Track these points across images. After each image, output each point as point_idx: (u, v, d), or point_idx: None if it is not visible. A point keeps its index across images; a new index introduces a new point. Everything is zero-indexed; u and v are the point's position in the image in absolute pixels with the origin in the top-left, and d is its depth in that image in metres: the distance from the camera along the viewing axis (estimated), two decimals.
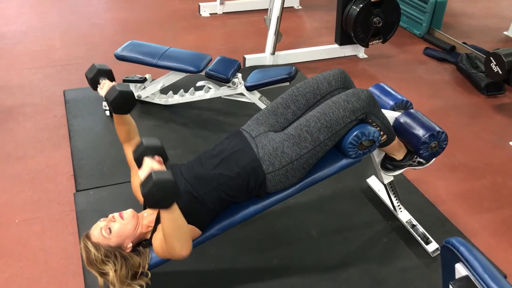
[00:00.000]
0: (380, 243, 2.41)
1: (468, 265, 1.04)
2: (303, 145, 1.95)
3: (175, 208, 1.65)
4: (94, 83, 2.03)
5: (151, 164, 1.64)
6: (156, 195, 1.54)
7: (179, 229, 1.68)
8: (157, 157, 1.68)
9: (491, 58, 3.59)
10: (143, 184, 1.55)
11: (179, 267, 2.17)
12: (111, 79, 2.06)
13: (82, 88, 3.62)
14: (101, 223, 1.84)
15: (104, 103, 3.29)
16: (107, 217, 1.86)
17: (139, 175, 1.65)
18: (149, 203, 1.57)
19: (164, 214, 1.64)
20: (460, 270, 1.09)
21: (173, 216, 1.64)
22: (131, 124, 2.08)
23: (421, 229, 2.41)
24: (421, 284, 2.18)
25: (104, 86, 1.99)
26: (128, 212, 1.87)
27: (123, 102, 1.91)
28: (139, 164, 1.67)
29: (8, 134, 3.12)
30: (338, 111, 1.96)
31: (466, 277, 1.06)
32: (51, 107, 3.42)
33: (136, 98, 3.34)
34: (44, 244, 2.33)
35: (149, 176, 1.54)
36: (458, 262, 1.09)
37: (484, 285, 0.99)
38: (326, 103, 2.02)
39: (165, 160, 1.71)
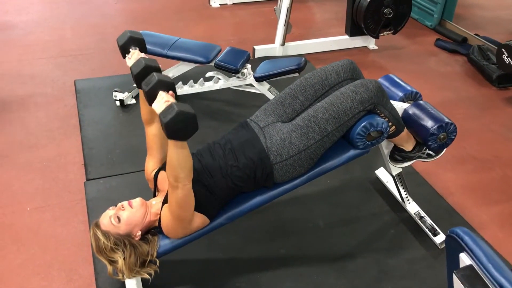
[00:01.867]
0: (388, 234, 2.42)
1: (472, 254, 1.04)
2: (310, 135, 1.95)
3: (186, 144, 1.68)
4: (124, 51, 1.93)
5: (167, 97, 1.64)
6: (178, 125, 1.55)
7: (185, 160, 1.70)
8: (170, 92, 1.67)
9: (503, 49, 3.55)
10: (164, 114, 1.55)
11: (187, 256, 2.20)
12: (143, 49, 1.96)
13: (93, 78, 3.66)
14: (111, 211, 1.86)
15: (115, 93, 3.32)
16: (116, 205, 1.89)
17: (154, 108, 1.64)
18: (168, 132, 1.57)
19: (175, 147, 1.65)
20: (464, 259, 1.09)
21: (182, 150, 1.67)
22: None
23: (429, 220, 2.40)
24: (428, 275, 2.19)
25: (133, 57, 1.89)
26: (137, 201, 1.89)
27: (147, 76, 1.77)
28: (151, 97, 1.65)
29: (20, 123, 3.15)
30: (346, 102, 1.96)
31: (470, 266, 1.06)
32: (62, 97, 3.45)
33: None
34: (55, 232, 2.37)
35: (171, 107, 1.55)
36: (463, 252, 1.09)
37: (488, 274, 1.00)
38: (334, 94, 2.02)
39: (176, 97, 1.70)
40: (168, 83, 1.67)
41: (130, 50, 1.91)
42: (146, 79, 1.71)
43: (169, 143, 1.66)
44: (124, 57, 1.94)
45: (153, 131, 2.03)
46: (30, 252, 2.25)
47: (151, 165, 2.06)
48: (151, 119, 2.02)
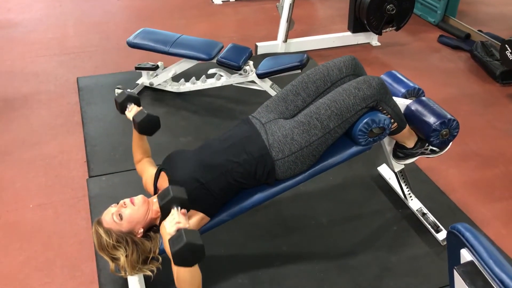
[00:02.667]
0: (390, 231, 2.41)
1: (473, 250, 1.04)
2: (312, 132, 1.94)
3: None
4: (122, 107, 2.16)
5: (178, 218, 1.63)
6: (185, 256, 1.57)
7: (192, 280, 1.68)
8: (183, 210, 1.69)
9: (507, 46, 3.54)
10: (172, 242, 1.57)
11: None
12: (138, 105, 2.17)
13: (95, 76, 3.66)
14: (113, 208, 1.86)
15: (117, 91, 3.32)
16: (118, 203, 1.89)
17: (164, 224, 1.66)
18: (176, 261, 1.59)
19: (183, 268, 1.64)
20: (465, 255, 1.09)
21: (190, 269, 1.65)
22: (147, 145, 2.21)
23: (431, 217, 2.40)
24: (431, 272, 2.18)
25: (133, 110, 2.12)
26: (139, 198, 1.89)
27: (149, 124, 2.06)
28: (165, 212, 1.68)
29: (23, 121, 3.16)
30: (349, 98, 1.96)
31: (471, 262, 1.06)
32: (65, 94, 3.45)
33: (149, 85, 3.38)
34: (57, 229, 2.37)
35: (180, 235, 1.56)
36: (464, 248, 1.09)
37: (489, 270, 0.99)
38: (336, 90, 2.02)
39: (187, 209, 1.74)
40: (182, 200, 1.71)
41: (128, 106, 2.15)
42: (162, 192, 1.73)
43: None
44: (122, 113, 2.17)
45: (144, 164, 2.18)
46: (33, 249, 2.26)
47: (149, 175, 2.09)
48: (142, 158, 2.20)
